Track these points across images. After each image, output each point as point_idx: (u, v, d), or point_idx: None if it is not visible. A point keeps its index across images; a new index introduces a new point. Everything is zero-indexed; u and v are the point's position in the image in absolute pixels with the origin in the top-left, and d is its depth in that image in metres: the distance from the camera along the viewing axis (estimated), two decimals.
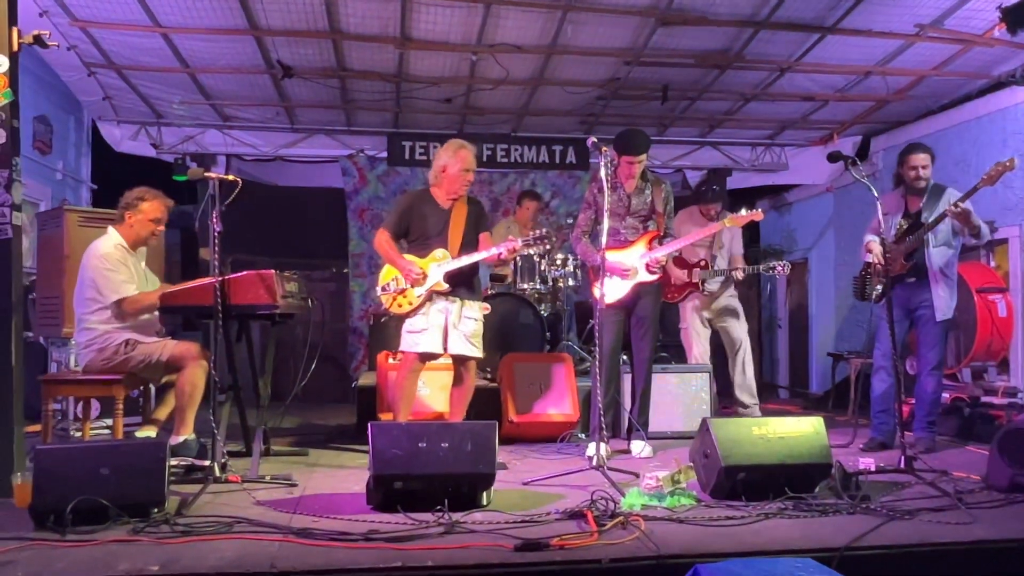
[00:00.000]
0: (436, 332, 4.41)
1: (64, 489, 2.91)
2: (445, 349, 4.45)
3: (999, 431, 3.75)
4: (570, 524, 3.01)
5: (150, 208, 4.40)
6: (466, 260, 4.41)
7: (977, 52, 6.09)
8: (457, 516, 3.05)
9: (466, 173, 4.47)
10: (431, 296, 4.42)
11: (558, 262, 6.32)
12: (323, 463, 4.49)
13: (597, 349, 4.15)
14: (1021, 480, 3.53)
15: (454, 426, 3.52)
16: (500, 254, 4.42)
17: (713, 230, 5.46)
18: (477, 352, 4.52)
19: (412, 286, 4.42)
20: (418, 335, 4.42)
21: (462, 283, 4.49)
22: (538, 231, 4.52)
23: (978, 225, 4.59)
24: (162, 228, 4.51)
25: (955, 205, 4.45)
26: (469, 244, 4.49)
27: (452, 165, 4.45)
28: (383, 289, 4.54)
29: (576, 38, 6.03)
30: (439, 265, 4.42)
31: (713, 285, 5.90)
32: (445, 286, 4.40)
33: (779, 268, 5.69)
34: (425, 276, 4.41)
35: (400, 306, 4.48)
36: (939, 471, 3.94)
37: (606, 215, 4.21)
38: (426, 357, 4.49)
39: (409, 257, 4.47)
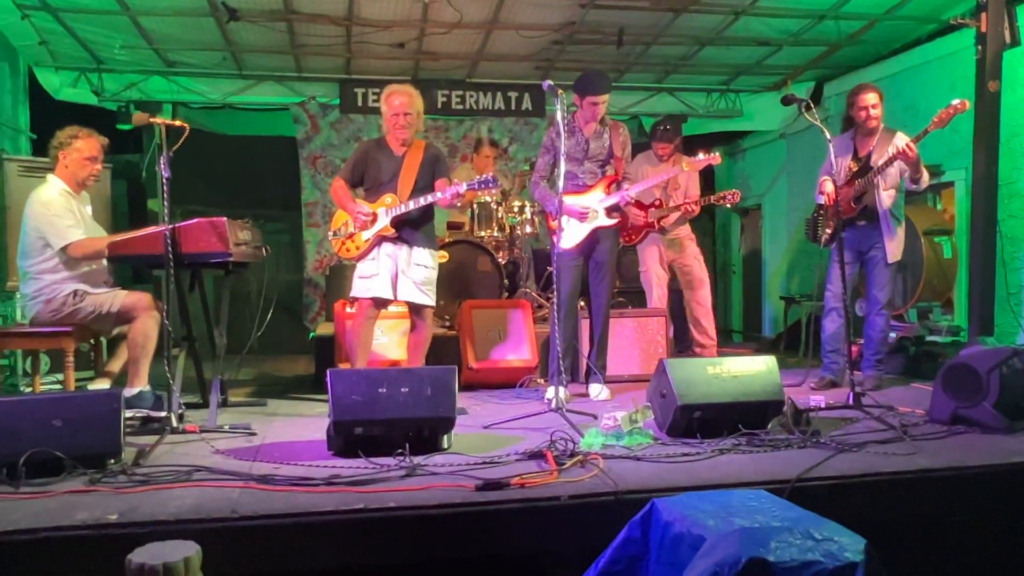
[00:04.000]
0: (386, 277, 4.42)
1: (16, 442, 2.85)
2: (395, 295, 4.44)
3: (942, 367, 3.88)
4: (530, 464, 3.05)
5: (84, 146, 4.25)
6: (413, 205, 4.41)
7: None
8: (418, 459, 3.08)
9: (397, 116, 4.44)
10: (379, 241, 4.44)
11: (515, 209, 6.30)
12: (282, 412, 4.47)
13: (555, 294, 4.18)
14: (962, 413, 3.67)
15: (413, 371, 3.51)
16: (445, 198, 4.38)
17: (671, 174, 5.49)
18: (428, 300, 4.52)
19: (360, 230, 4.46)
20: (369, 280, 4.44)
21: (412, 229, 4.48)
22: (483, 176, 4.49)
23: (922, 172, 4.66)
24: (99, 168, 4.36)
25: (909, 147, 4.50)
26: (423, 190, 4.46)
27: (386, 112, 4.49)
28: (334, 233, 4.60)
29: None
30: (387, 210, 4.43)
31: (672, 226, 5.93)
32: (392, 230, 4.41)
33: (728, 196, 5.70)
34: (374, 220, 4.42)
35: (348, 251, 4.53)
36: (886, 406, 4.07)
37: (562, 159, 4.20)
38: (380, 303, 4.49)
39: (360, 202, 4.50)
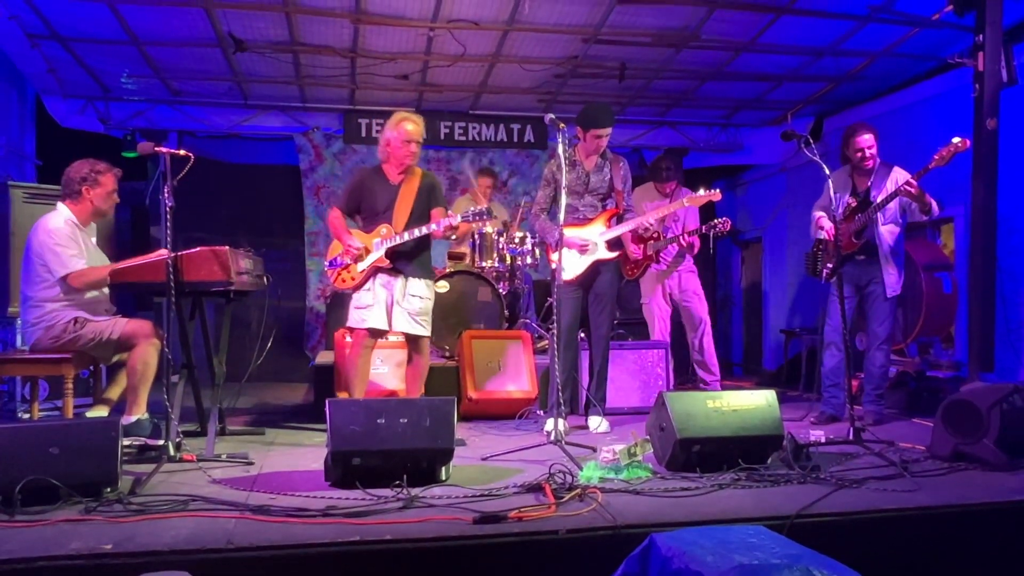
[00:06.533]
0: (381, 307, 4.41)
1: (12, 469, 2.84)
2: (390, 325, 4.44)
3: (943, 403, 3.87)
4: (528, 497, 3.03)
5: (108, 180, 4.31)
6: (408, 236, 4.39)
7: (926, 34, 6.21)
8: (416, 491, 3.06)
9: (408, 144, 4.42)
10: (374, 271, 4.43)
11: (516, 240, 6.33)
12: (280, 442, 4.45)
13: (555, 325, 4.18)
14: (963, 449, 3.66)
15: (412, 402, 3.52)
16: (438, 230, 4.38)
17: (672, 209, 5.51)
18: (423, 331, 4.50)
19: (354, 262, 4.45)
20: (365, 311, 4.42)
21: (407, 259, 4.47)
22: (476, 208, 4.51)
23: (930, 202, 4.69)
24: (116, 199, 4.42)
25: (909, 184, 4.54)
26: (418, 219, 4.45)
27: (395, 138, 4.43)
28: (331, 264, 4.59)
29: (534, 15, 6.00)
30: (382, 241, 4.41)
31: (673, 261, 5.95)
32: (387, 262, 4.39)
33: (719, 224, 5.67)
34: (367, 252, 4.42)
35: (344, 281, 4.52)
36: (886, 442, 4.06)
37: (563, 192, 4.23)
38: (375, 333, 4.48)
39: (355, 233, 4.51)
